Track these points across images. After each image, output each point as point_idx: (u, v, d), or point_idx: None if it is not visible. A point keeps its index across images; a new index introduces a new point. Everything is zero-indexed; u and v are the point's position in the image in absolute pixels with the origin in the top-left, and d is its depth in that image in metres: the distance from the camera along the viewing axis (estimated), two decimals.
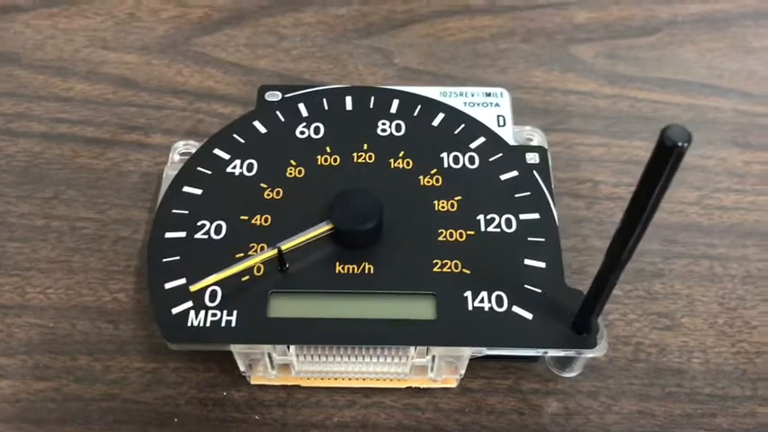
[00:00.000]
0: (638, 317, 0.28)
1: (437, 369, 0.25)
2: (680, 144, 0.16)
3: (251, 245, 0.26)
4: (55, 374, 0.26)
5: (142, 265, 0.29)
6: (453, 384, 0.26)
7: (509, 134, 0.29)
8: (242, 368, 0.25)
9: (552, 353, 0.24)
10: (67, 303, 0.28)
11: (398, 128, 0.29)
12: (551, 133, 0.32)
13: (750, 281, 0.29)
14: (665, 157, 0.17)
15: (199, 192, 0.27)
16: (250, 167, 0.28)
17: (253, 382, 0.26)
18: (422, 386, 0.26)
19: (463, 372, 0.25)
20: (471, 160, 0.28)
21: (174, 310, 0.24)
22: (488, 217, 0.26)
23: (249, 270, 0.25)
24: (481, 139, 0.29)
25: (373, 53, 0.36)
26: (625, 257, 0.20)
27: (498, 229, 0.26)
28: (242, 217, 0.26)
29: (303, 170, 0.28)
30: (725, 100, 0.35)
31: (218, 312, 0.24)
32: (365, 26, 0.37)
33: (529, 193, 0.27)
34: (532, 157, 0.28)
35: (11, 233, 0.30)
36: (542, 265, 0.25)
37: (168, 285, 0.25)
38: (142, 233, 0.30)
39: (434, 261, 0.25)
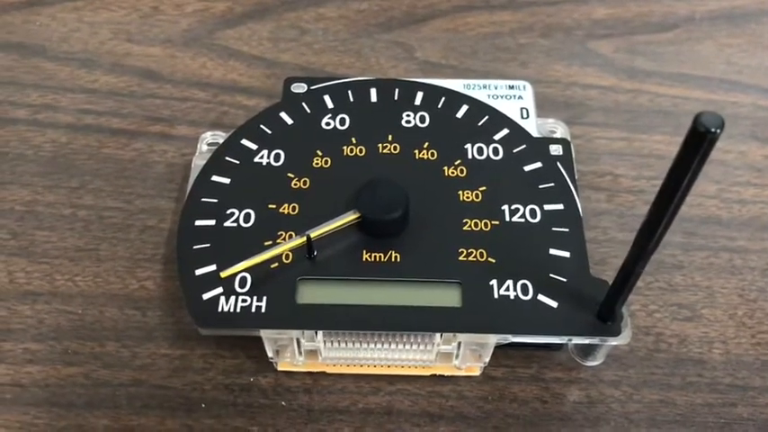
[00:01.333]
0: (659, 308, 0.28)
1: (462, 357, 0.25)
2: (713, 130, 0.17)
3: (279, 233, 0.26)
4: (84, 360, 0.27)
5: (169, 253, 0.29)
6: (477, 372, 0.26)
7: (532, 126, 0.29)
8: (270, 354, 0.26)
9: (577, 340, 0.25)
10: (95, 291, 0.28)
11: (423, 119, 0.29)
12: (572, 127, 0.32)
13: None
14: (698, 143, 0.17)
15: (227, 181, 0.28)
16: (277, 157, 0.28)
17: (279, 368, 0.26)
18: (446, 374, 0.26)
19: (488, 359, 0.26)
20: (495, 151, 0.28)
21: (205, 296, 0.25)
22: (513, 207, 0.27)
23: (278, 257, 0.25)
24: (505, 131, 0.29)
25: (394, 47, 0.36)
26: (653, 245, 0.21)
27: (523, 220, 0.27)
28: (270, 206, 0.27)
29: (329, 160, 0.28)
30: (744, 95, 0.35)
31: (248, 298, 0.25)
32: (386, 21, 0.38)
33: (553, 184, 0.27)
34: (556, 149, 0.28)
35: (39, 222, 0.30)
36: (567, 254, 0.26)
37: (199, 272, 0.25)
38: (169, 222, 0.30)
39: (460, 250, 0.26)
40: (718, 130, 0.17)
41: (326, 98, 0.30)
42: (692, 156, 0.17)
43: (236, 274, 0.25)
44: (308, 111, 0.30)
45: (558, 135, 0.30)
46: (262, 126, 0.29)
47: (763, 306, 0.29)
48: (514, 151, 0.28)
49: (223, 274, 0.24)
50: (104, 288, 0.28)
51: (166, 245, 0.29)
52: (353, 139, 0.29)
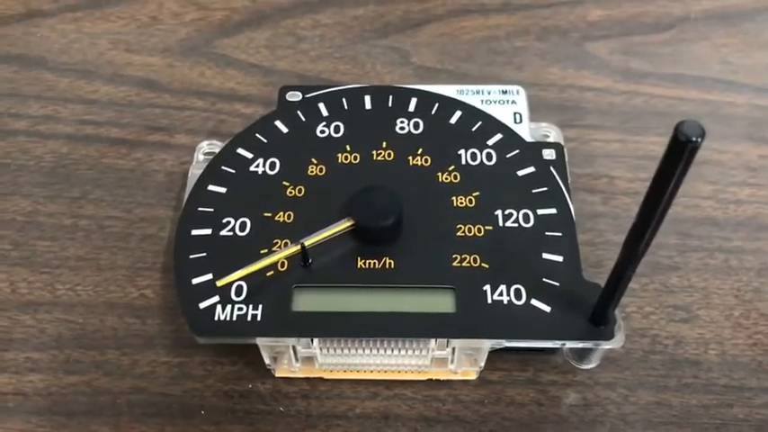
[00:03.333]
0: (655, 309, 0.28)
1: (457, 361, 0.26)
2: (694, 139, 0.17)
3: (275, 241, 0.26)
4: (85, 368, 0.27)
5: (168, 261, 0.29)
6: (473, 376, 0.27)
7: (526, 131, 0.30)
8: (267, 361, 0.26)
9: (570, 345, 0.25)
10: (96, 300, 0.29)
11: (416, 126, 0.30)
12: (567, 129, 0.32)
13: (765, 273, 0.29)
14: (679, 152, 0.17)
15: (223, 190, 0.28)
16: (273, 166, 0.28)
17: (277, 374, 0.27)
18: (442, 378, 0.27)
19: (483, 364, 0.26)
20: (489, 157, 0.29)
21: (202, 305, 0.25)
22: (506, 212, 0.27)
23: (273, 265, 0.26)
24: (498, 136, 0.29)
25: (390, 53, 0.37)
26: (641, 251, 0.21)
27: (516, 224, 0.27)
28: (265, 214, 0.27)
29: (324, 168, 0.28)
30: (739, 95, 0.35)
31: (244, 307, 0.25)
32: (382, 26, 0.38)
33: (546, 189, 0.28)
34: (549, 154, 0.29)
35: (41, 232, 0.31)
36: (560, 258, 0.26)
37: (195, 281, 0.25)
38: (168, 231, 0.30)
39: (453, 256, 0.26)
40: (699, 139, 0.17)
41: (321, 106, 0.30)
42: (675, 164, 0.18)
43: (232, 283, 0.25)
44: (303, 119, 0.30)
45: (551, 139, 0.30)
46: (257, 135, 0.29)
47: (759, 307, 0.29)
48: (508, 156, 0.29)
49: (219, 283, 0.25)
50: (105, 297, 0.29)
51: (165, 253, 0.30)
52: (348, 147, 0.29)
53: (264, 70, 0.36)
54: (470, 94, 0.31)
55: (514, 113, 0.30)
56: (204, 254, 0.26)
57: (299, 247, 0.25)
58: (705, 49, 0.37)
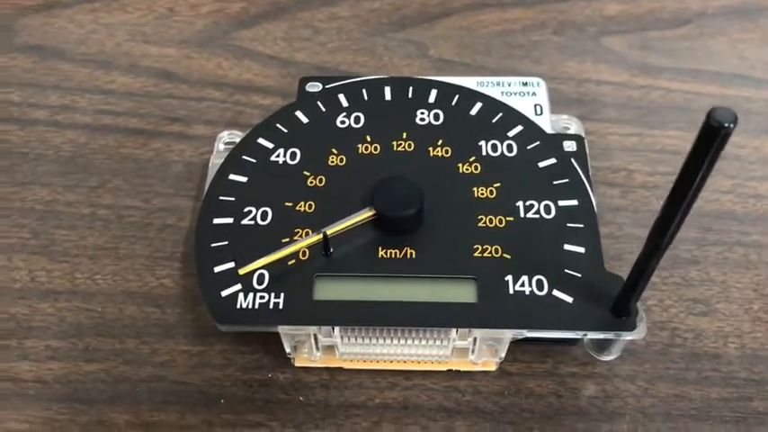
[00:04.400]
0: (675, 303, 0.28)
1: (478, 352, 0.26)
2: (726, 125, 0.17)
3: (296, 230, 0.26)
4: (104, 356, 0.27)
5: (187, 251, 0.29)
6: (493, 367, 0.27)
7: (546, 123, 0.30)
8: (287, 349, 0.26)
9: (592, 335, 0.25)
10: (115, 289, 0.29)
11: (437, 117, 0.30)
12: (585, 123, 0.32)
13: None
14: (711, 138, 0.17)
15: (244, 179, 0.28)
16: (293, 156, 0.28)
17: (297, 364, 0.27)
18: (462, 369, 0.27)
19: (503, 354, 0.26)
20: (509, 148, 0.29)
21: (224, 293, 0.25)
22: (527, 203, 0.27)
23: (295, 254, 0.26)
24: (519, 128, 0.29)
25: (408, 45, 0.37)
26: (667, 241, 0.21)
27: (537, 216, 0.27)
28: (287, 203, 0.27)
29: (344, 158, 0.28)
30: (757, 90, 0.35)
31: (266, 295, 0.25)
32: (399, 19, 0.38)
33: (567, 180, 0.28)
34: (570, 145, 0.29)
35: (59, 221, 0.31)
36: (582, 250, 0.26)
37: (217, 269, 0.26)
38: (187, 221, 0.30)
39: (475, 246, 0.26)
40: (732, 125, 0.17)
41: (341, 97, 0.30)
42: (706, 151, 0.18)
43: (254, 272, 0.25)
44: (323, 109, 0.30)
45: (571, 131, 0.30)
46: (278, 125, 0.29)
47: None
48: (528, 148, 0.29)
49: (241, 272, 0.25)
50: (124, 286, 0.29)
51: (185, 243, 0.30)
52: (368, 137, 0.29)
53: (282, 62, 0.36)
54: (490, 86, 0.31)
55: (535, 105, 0.30)
56: (226, 242, 0.26)
57: (320, 236, 0.25)
58: (722, 44, 0.37)
